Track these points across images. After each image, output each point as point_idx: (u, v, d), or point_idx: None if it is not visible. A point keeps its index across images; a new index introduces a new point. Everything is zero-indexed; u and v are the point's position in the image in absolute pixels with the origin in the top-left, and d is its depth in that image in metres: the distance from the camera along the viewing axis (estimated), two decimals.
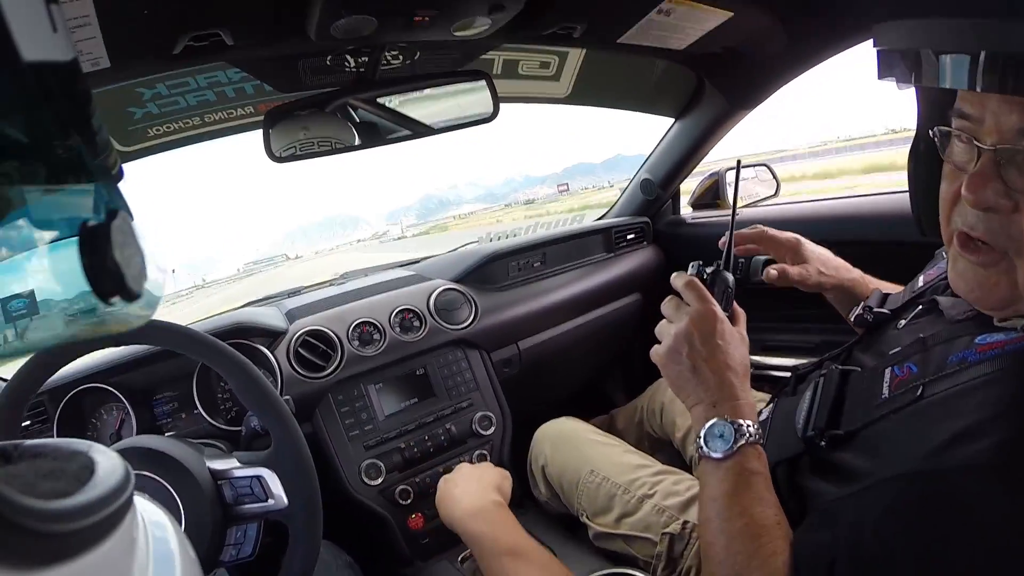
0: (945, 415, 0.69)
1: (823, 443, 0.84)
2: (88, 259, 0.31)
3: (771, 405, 1.08)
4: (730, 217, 1.11)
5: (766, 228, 1.25)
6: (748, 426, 0.83)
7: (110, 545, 0.39)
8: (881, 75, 0.73)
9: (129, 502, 0.43)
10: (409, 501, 1.55)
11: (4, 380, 1.14)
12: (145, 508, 0.53)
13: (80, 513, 0.36)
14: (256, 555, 1.04)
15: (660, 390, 1.73)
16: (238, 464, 1.04)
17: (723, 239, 1.10)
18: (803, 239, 1.24)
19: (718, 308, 0.92)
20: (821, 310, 1.44)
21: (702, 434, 0.85)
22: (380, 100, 1.39)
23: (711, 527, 0.82)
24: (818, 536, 0.73)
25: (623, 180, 2.49)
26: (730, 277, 1.01)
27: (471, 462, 1.64)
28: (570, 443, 1.49)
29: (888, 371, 0.83)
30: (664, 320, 0.95)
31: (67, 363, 1.14)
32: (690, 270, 1.01)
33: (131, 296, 0.33)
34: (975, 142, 0.68)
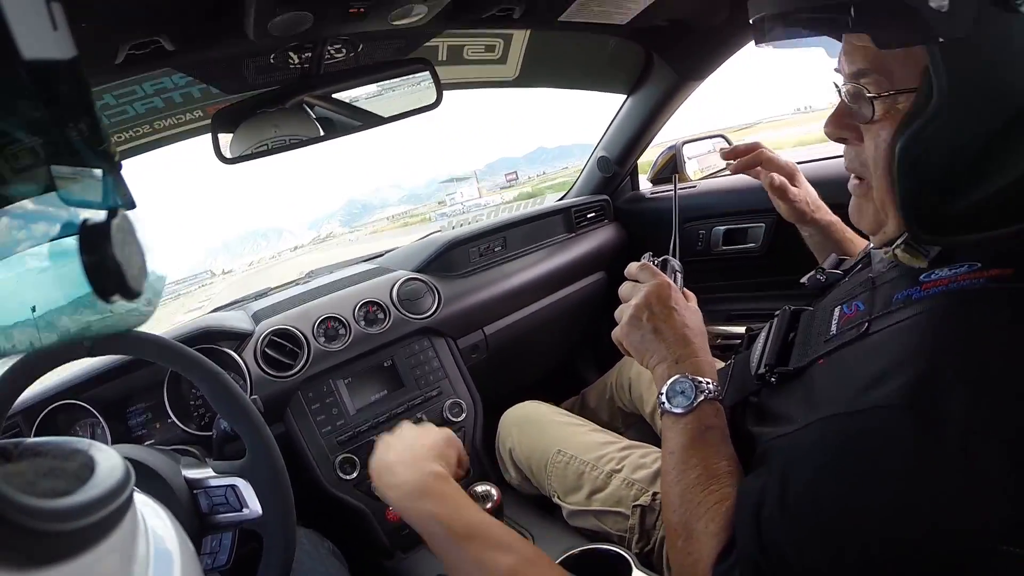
0: (876, 354, 0.72)
1: (773, 379, 0.89)
2: (88, 258, 0.31)
3: (730, 361, 1.12)
4: (674, 198, 1.18)
5: (764, 148, 1.34)
6: (707, 383, 0.88)
7: (110, 544, 0.39)
8: (756, 42, 0.84)
9: (129, 501, 0.43)
10: None
11: None
12: (145, 506, 0.53)
13: (80, 512, 0.36)
14: (231, 564, 1.04)
15: (626, 366, 1.75)
16: (213, 473, 1.04)
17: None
18: (799, 169, 1.34)
19: (671, 281, 1.01)
20: (783, 277, 1.47)
21: (664, 391, 0.90)
22: (327, 94, 1.38)
23: (668, 479, 0.87)
24: (752, 480, 0.77)
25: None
26: (678, 263, 1.13)
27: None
28: (536, 425, 1.50)
29: (837, 309, 0.87)
30: (622, 304, 1.02)
31: (38, 377, 1.11)
32: (643, 259, 1.09)
33: (132, 295, 0.33)
34: (836, 85, 0.80)
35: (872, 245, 1.04)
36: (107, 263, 0.31)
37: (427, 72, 1.37)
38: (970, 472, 0.61)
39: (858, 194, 0.83)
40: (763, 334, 1.02)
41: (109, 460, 0.43)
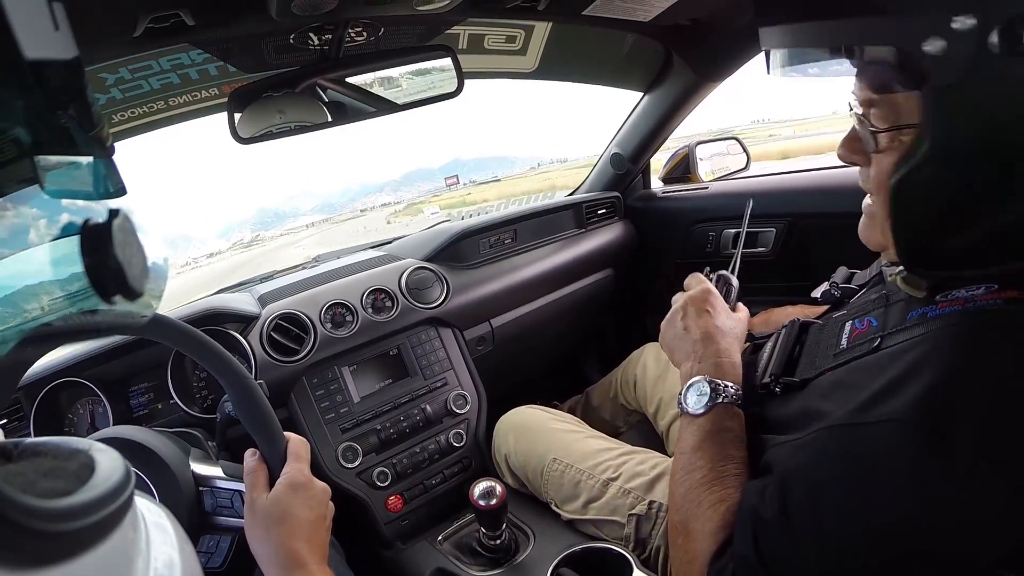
0: (886, 368, 0.72)
1: (777, 389, 0.91)
2: (89, 259, 0.32)
3: None
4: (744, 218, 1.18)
5: None
6: (726, 387, 0.92)
7: (110, 544, 0.39)
8: (768, 70, 0.87)
9: (130, 501, 0.43)
10: (387, 483, 1.54)
11: None
12: (146, 507, 0.53)
13: (80, 512, 0.36)
14: (226, 568, 1.03)
15: (632, 364, 1.73)
16: (222, 475, 1.02)
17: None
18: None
19: (715, 289, 1.11)
20: (793, 283, 1.46)
21: (684, 390, 0.95)
22: (345, 77, 1.37)
23: (675, 478, 0.90)
24: (755, 484, 0.78)
25: None
26: (734, 280, 1.21)
27: (443, 440, 1.64)
28: (531, 432, 1.49)
29: (849, 324, 0.88)
30: None
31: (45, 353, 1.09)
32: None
33: (133, 295, 0.33)
34: (851, 107, 0.80)
35: (884, 262, 1.04)
36: (109, 264, 0.32)
37: (447, 59, 1.36)
38: (974, 497, 0.62)
39: (868, 213, 0.85)
40: (769, 344, 1.04)
41: (109, 460, 0.42)
